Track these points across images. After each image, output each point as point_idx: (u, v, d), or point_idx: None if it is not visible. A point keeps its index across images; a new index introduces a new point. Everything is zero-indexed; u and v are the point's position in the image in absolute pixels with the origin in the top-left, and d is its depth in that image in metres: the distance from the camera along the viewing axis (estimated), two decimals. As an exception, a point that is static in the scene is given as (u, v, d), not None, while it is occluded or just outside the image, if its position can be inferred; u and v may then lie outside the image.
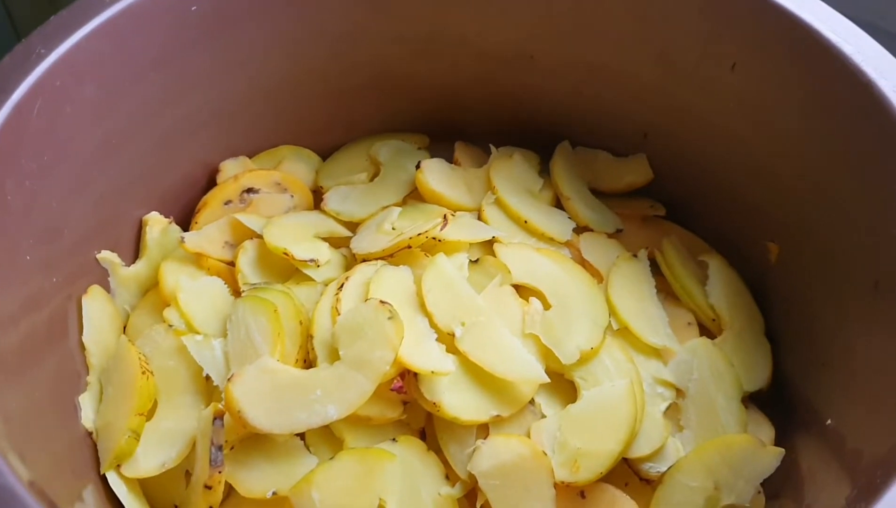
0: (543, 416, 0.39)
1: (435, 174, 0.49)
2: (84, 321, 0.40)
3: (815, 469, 0.38)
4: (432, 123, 0.55)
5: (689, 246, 0.48)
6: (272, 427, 0.35)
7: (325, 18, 0.47)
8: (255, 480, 0.35)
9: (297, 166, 0.52)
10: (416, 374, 0.37)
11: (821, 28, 0.39)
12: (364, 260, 0.44)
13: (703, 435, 0.39)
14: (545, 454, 0.37)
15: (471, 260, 0.44)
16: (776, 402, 0.43)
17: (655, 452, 0.38)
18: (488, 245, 0.45)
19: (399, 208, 0.47)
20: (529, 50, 0.50)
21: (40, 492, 0.26)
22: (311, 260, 0.44)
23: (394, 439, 0.37)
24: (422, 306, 0.40)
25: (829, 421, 0.38)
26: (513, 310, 0.41)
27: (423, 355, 0.38)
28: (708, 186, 0.49)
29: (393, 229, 0.45)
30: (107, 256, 0.43)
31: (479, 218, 0.48)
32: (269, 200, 0.49)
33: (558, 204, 0.50)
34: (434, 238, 0.43)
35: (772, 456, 0.38)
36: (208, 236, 0.46)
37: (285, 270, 0.45)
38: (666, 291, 0.46)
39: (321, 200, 0.50)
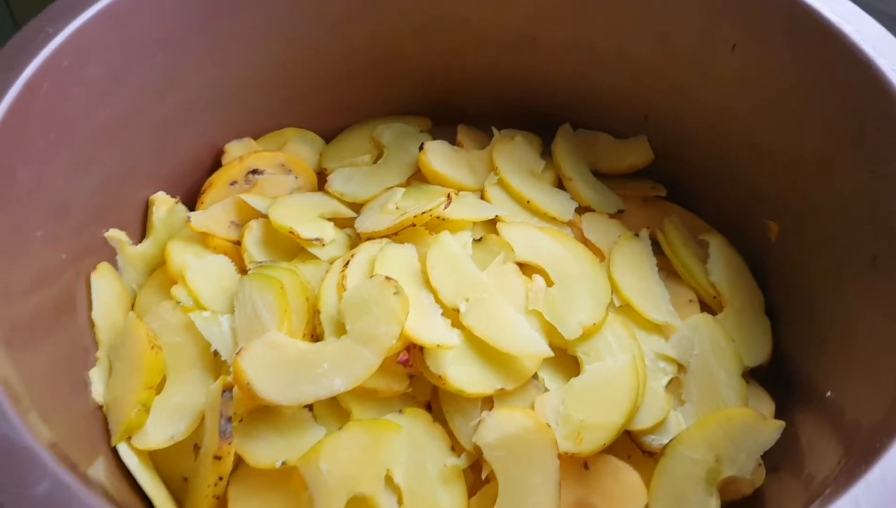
0: (547, 390, 0.39)
1: (438, 155, 0.49)
2: (93, 297, 0.41)
3: (815, 441, 0.39)
4: (434, 106, 0.56)
5: (690, 226, 0.49)
6: (280, 399, 0.36)
7: (326, 1, 0.48)
8: (263, 451, 0.36)
9: (301, 148, 0.52)
10: (421, 348, 0.38)
11: (820, 8, 0.40)
12: (369, 239, 0.44)
13: (705, 409, 0.40)
14: (549, 426, 0.37)
15: (474, 239, 0.44)
16: (776, 378, 0.44)
17: (657, 425, 0.39)
18: (491, 225, 0.46)
19: (403, 189, 0.48)
20: (531, 32, 0.50)
21: (61, 454, 0.27)
22: (317, 239, 0.44)
23: (400, 411, 0.38)
24: (426, 283, 0.41)
25: (828, 394, 0.38)
26: (516, 287, 0.42)
27: (429, 329, 0.38)
28: (708, 167, 0.49)
29: (397, 208, 0.46)
30: (114, 234, 0.43)
31: (482, 199, 0.48)
32: (273, 181, 0.49)
33: (560, 185, 0.50)
34: (438, 217, 0.44)
35: (772, 429, 0.39)
36: (214, 215, 0.46)
37: (291, 249, 0.45)
38: (667, 269, 0.46)
39: (325, 181, 0.50)
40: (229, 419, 0.36)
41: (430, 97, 0.55)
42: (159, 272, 0.45)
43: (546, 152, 0.52)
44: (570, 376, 0.40)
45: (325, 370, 0.37)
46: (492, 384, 0.38)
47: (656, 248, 0.47)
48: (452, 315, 0.40)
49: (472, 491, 0.37)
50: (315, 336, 0.40)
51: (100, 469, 0.34)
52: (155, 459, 0.38)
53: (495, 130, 0.52)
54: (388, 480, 0.36)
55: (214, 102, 0.48)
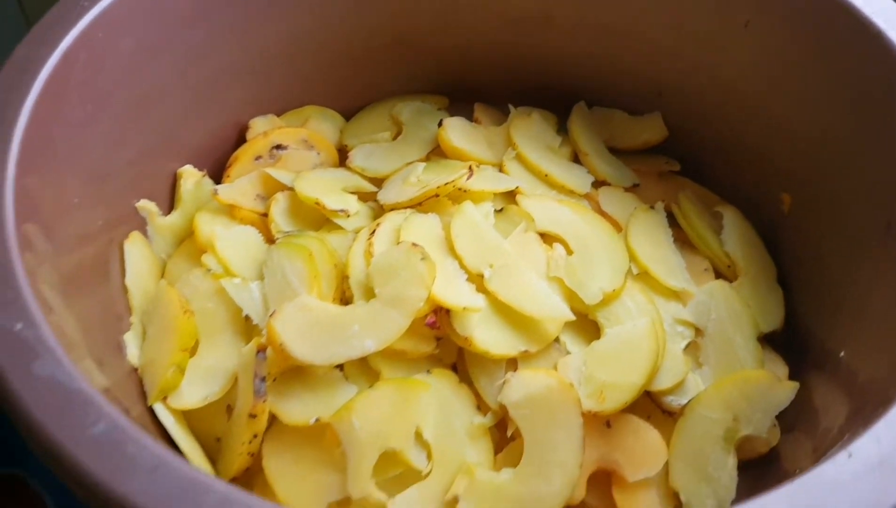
0: (568, 353, 0.41)
1: (457, 131, 0.50)
2: (126, 264, 0.42)
3: (828, 402, 0.40)
4: (451, 85, 0.57)
5: (704, 200, 0.50)
6: (313, 359, 0.37)
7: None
8: (297, 409, 0.37)
9: (322, 125, 0.53)
10: (448, 311, 0.39)
11: (832, -18, 0.41)
12: (392, 210, 0.46)
13: (722, 371, 0.41)
14: (572, 385, 0.38)
15: (495, 210, 0.45)
16: (789, 344, 0.45)
17: (676, 385, 0.40)
18: (511, 198, 0.47)
19: (423, 164, 0.49)
20: (547, 11, 0.52)
21: (114, 399, 0.28)
22: (342, 210, 0.45)
23: (428, 371, 0.39)
24: (451, 250, 0.42)
25: (842, 354, 0.39)
26: (537, 255, 0.43)
27: (455, 292, 0.39)
28: (721, 142, 0.51)
29: (418, 181, 0.47)
30: (145, 205, 0.44)
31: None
32: (296, 156, 0.51)
33: (576, 161, 0.51)
34: (460, 189, 0.45)
35: (787, 390, 0.40)
36: (240, 188, 0.48)
37: (316, 221, 0.46)
38: (682, 240, 0.48)
39: (346, 158, 0.51)
40: (263, 379, 0.37)
41: (446, 77, 0.57)
42: (188, 243, 0.46)
43: (562, 130, 0.54)
44: (591, 340, 0.41)
45: (355, 332, 0.38)
46: (516, 346, 0.39)
47: (671, 220, 0.48)
48: (477, 281, 0.41)
49: (497, 448, 0.38)
50: (344, 300, 0.41)
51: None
52: (188, 420, 0.40)
53: (512, 108, 0.53)
54: (418, 436, 0.37)
55: (239, 79, 0.50)
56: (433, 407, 0.38)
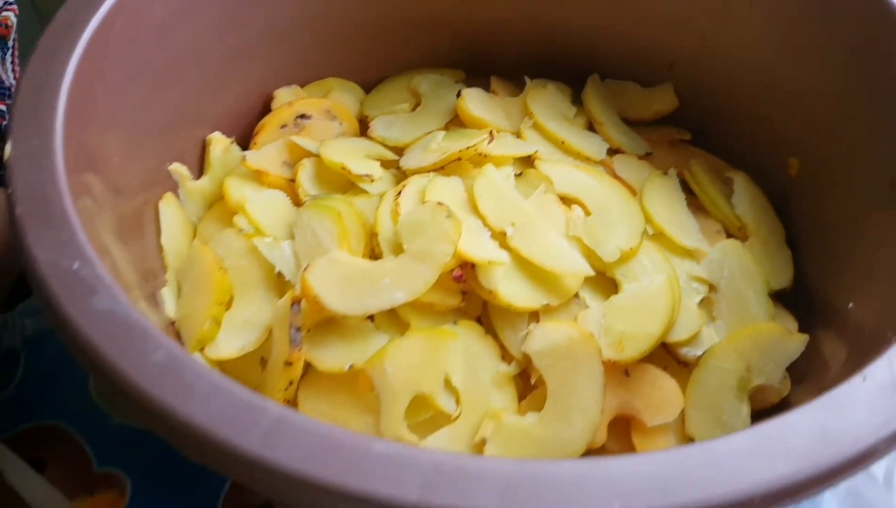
0: (588, 307, 0.42)
1: (475, 101, 0.52)
2: (161, 223, 0.43)
3: (837, 354, 0.41)
4: (467, 59, 0.58)
5: (713, 167, 0.52)
6: (346, 310, 0.39)
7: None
8: (331, 357, 0.39)
9: (343, 97, 0.55)
10: (473, 265, 0.41)
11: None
12: (415, 175, 0.47)
13: (735, 325, 0.43)
14: (592, 335, 0.40)
15: (515, 174, 0.47)
16: (797, 304, 0.47)
17: (692, 337, 0.42)
18: (529, 164, 0.49)
19: (443, 132, 0.51)
20: (562, -15, 0.53)
21: (174, 334, 0.29)
22: (367, 175, 0.47)
23: (454, 322, 0.41)
24: (474, 210, 0.44)
25: (850, 305, 0.41)
26: (557, 215, 0.45)
27: (480, 247, 0.41)
28: (730, 111, 0.52)
29: (439, 147, 0.48)
30: (177, 168, 0.46)
31: (519, 140, 0.51)
32: (319, 126, 0.52)
33: (591, 130, 0.53)
34: (480, 154, 0.47)
35: (797, 342, 0.42)
36: (267, 155, 0.49)
37: (342, 186, 0.48)
38: (694, 206, 0.49)
39: (366, 128, 0.53)
40: (298, 329, 0.38)
41: (462, 51, 0.58)
42: (217, 207, 0.48)
43: (576, 102, 0.55)
44: (609, 296, 0.43)
45: (386, 285, 0.39)
46: (538, 299, 0.41)
47: (683, 187, 0.50)
48: (500, 239, 0.43)
49: (521, 396, 0.40)
50: (373, 257, 0.43)
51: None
52: (223, 372, 0.41)
53: (527, 79, 0.55)
54: (447, 383, 0.39)
55: (264, 50, 0.51)
56: (460, 356, 0.39)
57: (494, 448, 0.37)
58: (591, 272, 0.42)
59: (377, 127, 0.52)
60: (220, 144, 0.49)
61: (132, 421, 0.43)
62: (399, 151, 0.51)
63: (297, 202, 0.47)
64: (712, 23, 0.51)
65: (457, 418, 0.38)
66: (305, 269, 0.40)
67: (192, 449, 0.26)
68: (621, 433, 0.40)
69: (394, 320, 0.40)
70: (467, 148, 0.46)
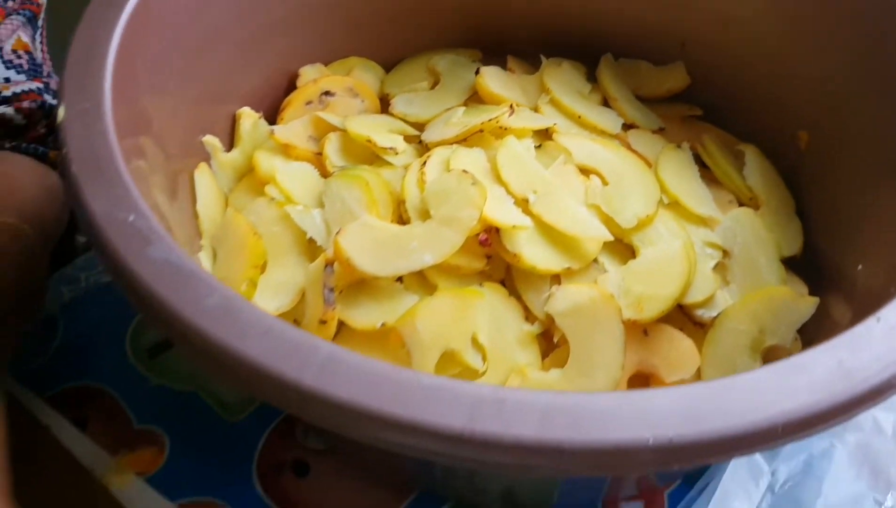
0: (606, 271, 0.44)
1: (494, 78, 0.54)
2: (197, 191, 0.45)
3: (847, 315, 0.43)
4: (483, 40, 0.60)
5: (724, 142, 0.54)
6: (377, 271, 0.40)
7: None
8: (363, 316, 0.40)
9: (365, 75, 0.57)
10: (498, 230, 0.42)
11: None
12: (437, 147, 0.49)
13: (748, 288, 0.45)
14: (613, 296, 0.42)
15: (535, 146, 0.49)
16: (807, 271, 0.48)
17: (707, 300, 0.43)
18: (548, 137, 0.50)
19: (463, 108, 0.52)
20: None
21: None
22: (391, 147, 0.49)
23: (480, 284, 0.42)
24: (497, 179, 0.45)
25: (859, 267, 0.43)
26: (576, 184, 0.46)
27: (504, 212, 0.43)
28: (741, 87, 0.54)
29: (459, 122, 0.50)
30: (210, 140, 0.48)
31: (536, 115, 0.53)
32: (343, 102, 0.54)
33: (605, 106, 0.55)
34: (501, 127, 0.48)
35: (808, 304, 0.43)
36: (294, 130, 0.51)
37: (367, 159, 0.50)
38: (707, 178, 0.51)
39: (387, 106, 0.55)
40: (332, 289, 0.40)
41: (478, 32, 0.60)
42: (247, 178, 0.49)
43: (590, 80, 0.57)
44: (627, 261, 0.45)
45: (414, 247, 0.41)
46: (559, 263, 0.43)
47: (696, 160, 0.52)
48: (522, 205, 0.44)
49: (544, 354, 0.42)
50: (400, 224, 0.45)
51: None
52: (258, 333, 0.43)
53: (543, 58, 0.57)
54: (474, 340, 0.40)
55: (290, 29, 0.53)
56: (487, 315, 0.41)
57: (521, 401, 0.39)
58: (610, 237, 0.44)
59: (398, 104, 0.54)
60: (249, 119, 0.50)
61: (172, 382, 0.45)
62: (420, 126, 0.53)
63: (325, 174, 0.49)
64: (722, 2, 0.52)
65: (483, 373, 0.40)
66: (338, 233, 0.41)
67: (250, 385, 0.28)
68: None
69: (422, 282, 0.42)
70: (489, 120, 0.47)
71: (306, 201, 0.46)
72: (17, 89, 0.53)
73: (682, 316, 0.44)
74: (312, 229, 0.44)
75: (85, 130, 0.35)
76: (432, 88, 0.56)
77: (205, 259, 0.43)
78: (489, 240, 0.43)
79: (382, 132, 0.51)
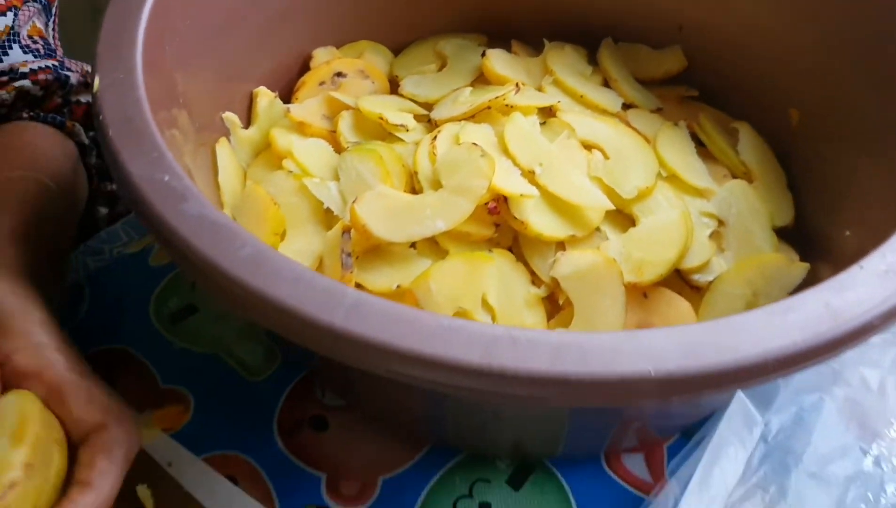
0: (608, 239, 0.46)
1: (500, 60, 0.56)
2: (218, 164, 0.47)
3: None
4: (487, 25, 0.62)
5: (720, 121, 0.56)
6: (392, 237, 0.43)
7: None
8: (379, 279, 0.43)
9: (375, 58, 0.59)
10: (506, 199, 0.45)
11: None
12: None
13: (742, 255, 0.47)
14: (615, 260, 0.44)
15: (540, 123, 0.51)
16: (799, 242, 0.51)
17: (703, 265, 0.46)
18: (552, 115, 0.53)
19: (470, 88, 0.55)
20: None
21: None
22: (402, 124, 0.51)
23: (489, 250, 0.45)
24: (504, 152, 0.48)
25: (847, 233, 0.45)
26: (579, 158, 0.49)
27: (512, 182, 0.45)
28: (735, 69, 0.56)
29: (467, 101, 0.53)
30: (229, 116, 0.50)
31: (540, 95, 0.55)
32: (354, 83, 0.56)
33: (606, 87, 0.57)
34: (507, 104, 0.51)
35: (799, 269, 0.46)
36: (309, 108, 0.53)
37: (378, 136, 0.52)
38: (703, 155, 0.53)
39: (397, 88, 0.57)
40: (349, 255, 0.42)
41: (484, 18, 0.62)
42: (264, 154, 0.51)
43: (591, 63, 0.59)
44: (628, 230, 0.47)
45: (427, 215, 0.43)
46: (564, 230, 0.45)
47: (692, 138, 0.54)
48: (528, 177, 0.47)
49: (550, 316, 0.44)
50: (413, 194, 0.47)
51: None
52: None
53: (546, 41, 0.59)
54: (484, 302, 0.43)
55: (304, 13, 0.55)
56: (496, 278, 0.43)
57: (528, 358, 0.41)
58: (612, 206, 0.46)
59: (407, 85, 0.56)
60: (265, 98, 0.53)
61: (194, 345, 0.47)
62: (428, 106, 0.55)
63: (338, 150, 0.51)
64: (719, -14, 0.55)
65: (494, 332, 0.42)
66: (354, 201, 0.44)
67: (283, 327, 0.30)
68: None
69: (434, 248, 0.44)
70: (496, 98, 0.50)
71: (322, 174, 0.48)
72: (35, 66, 0.55)
73: (680, 281, 0.46)
74: (329, 200, 0.46)
75: (119, 98, 0.37)
76: (439, 70, 0.59)
77: (227, 228, 0.45)
78: (498, 208, 0.45)
79: (393, 110, 0.53)
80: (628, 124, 0.54)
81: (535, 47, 0.60)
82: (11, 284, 0.39)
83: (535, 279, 0.45)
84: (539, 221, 0.45)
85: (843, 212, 0.48)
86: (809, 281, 0.46)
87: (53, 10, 0.64)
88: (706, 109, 0.57)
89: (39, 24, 0.61)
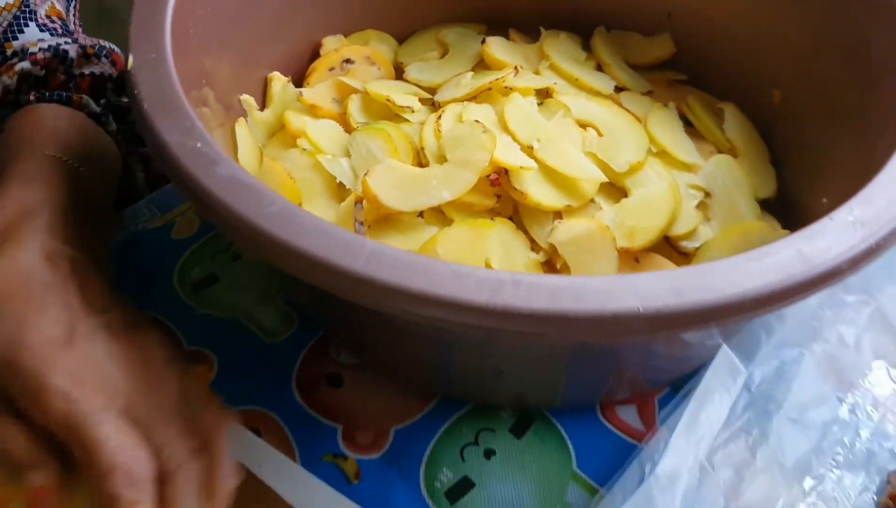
0: (602, 210, 0.50)
1: (499, 47, 0.59)
2: (238, 143, 0.51)
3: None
4: (486, 16, 0.66)
5: (707, 103, 0.59)
6: (401, 206, 0.46)
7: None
8: (390, 245, 0.46)
9: (380, 46, 0.62)
10: (507, 172, 0.48)
11: None
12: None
13: (727, 224, 0.50)
14: (608, 227, 0.47)
15: (537, 103, 0.55)
16: (781, 214, 0.54)
17: (690, 232, 0.49)
18: (549, 96, 0.56)
19: (471, 73, 0.58)
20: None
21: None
22: (408, 106, 0.54)
23: (491, 219, 0.48)
24: (504, 129, 0.51)
25: (824, 200, 0.49)
26: (574, 135, 0.52)
27: (512, 156, 0.48)
28: (722, 54, 0.60)
29: (469, 84, 0.56)
30: (247, 99, 0.53)
31: (537, 79, 0.58)
32: (362, 69, 0.59)
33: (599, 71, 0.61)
34: (507, 86, 0.54)
35: (781, 236, 0.48)
36: (320, 92, 0.56)
37: (385, 117, 0.55)
38: (691, 134, 0.57)
39: (401, 74, 0.60)
40: (362, 223, 0.46)
41: (482, 8, 0.66)
42: (279, 135, 0.55)
43: (585, 49, 0.63)
44: (620, 201, 0.50)
45: (434, 186, 0.47)
46: (561, 201, 0.48)
47: (681, 119, 0.57)
48: (527, 152, 0.50)
49: (549, 280, 0.48)
50: (420, 167, 0.50)
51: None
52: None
53: (542, 30, 0.62)
54: (487, 265, 0.46)
55: (313, 3, 0.59)
56: (498, 244, 0.47)
57: (529, 316, 0.44)
58: (605, 178, 0.49)
59: (412, 71, 0.60)
60: (279, 82, 0.56)
61: (215, 311, 0.50)
62: (432, 91, 0.59)
63: (348, 130, 0.54)
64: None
65: (497, 293, 0.46)
66: (366, 174, 0.47)
67: (308, 273, 0.34)
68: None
69: (440, 217, 0.48)
70: (496, 80, 0.53)
71: (334, 151, 0.52)
72: (44, 45, 0.55)
73: (669, 247, 0.50)
74: (341, 175, 0.50)
75: (152, 74, 0.40)
76: (442, 57, 0.62)
77: (247, 200, 0.49)
78: (499, 180, 0.48)
79: (399, 93, 0.56)
80: (620, 105, 0.57)
81: (532, 36, 0.64)
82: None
83: (535, 246, 0.48)
84: (538, 191, 0.48)
85: (820, 181, 0.51)
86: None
87: None
88: (694, 92, 0.60)
89: (59, 7, 0.62)
